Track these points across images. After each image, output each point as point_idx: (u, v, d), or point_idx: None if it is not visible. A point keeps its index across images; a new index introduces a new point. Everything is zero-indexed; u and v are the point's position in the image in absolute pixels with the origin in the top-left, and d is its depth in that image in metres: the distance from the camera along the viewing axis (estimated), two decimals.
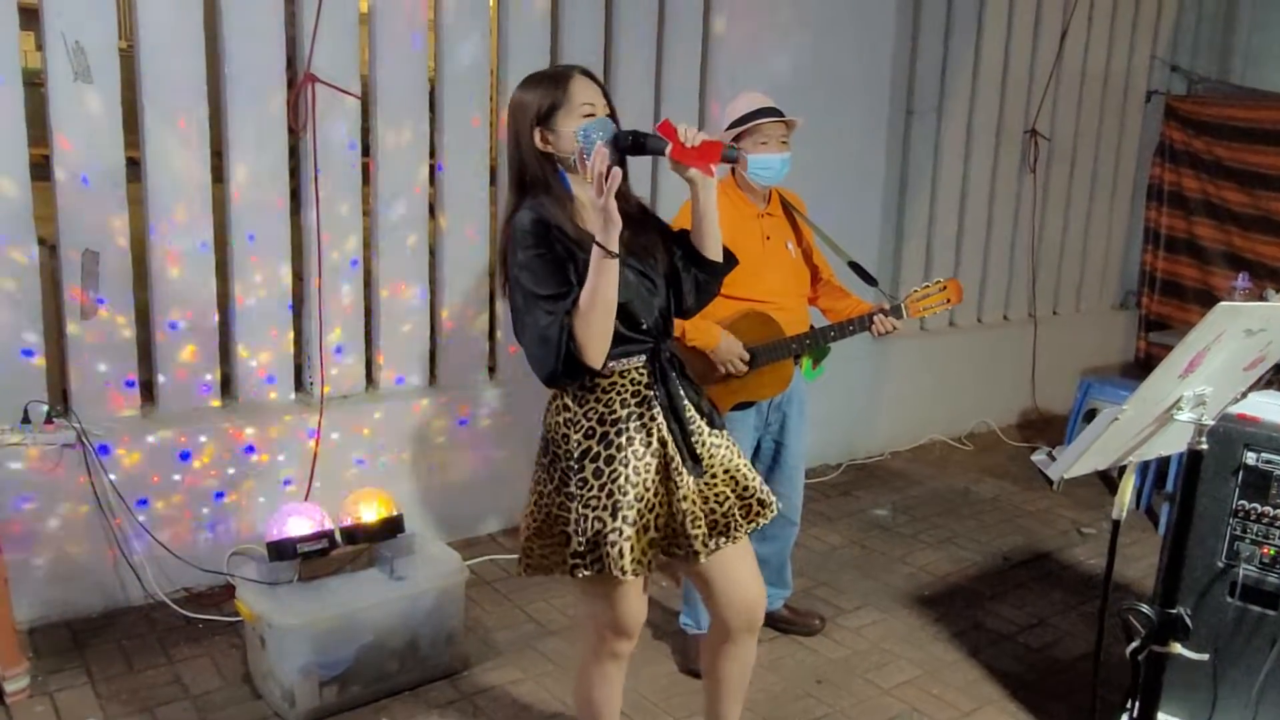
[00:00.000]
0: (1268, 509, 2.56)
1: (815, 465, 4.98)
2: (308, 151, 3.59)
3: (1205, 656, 1.97)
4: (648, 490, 2.11)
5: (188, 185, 3.40)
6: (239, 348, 3.62)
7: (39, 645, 3.14)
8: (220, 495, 3.53)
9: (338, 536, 3.07)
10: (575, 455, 2.10)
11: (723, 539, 2.19)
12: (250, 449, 3.56)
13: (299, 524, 3.08)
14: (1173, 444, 1.86)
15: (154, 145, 3.33)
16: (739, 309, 3.04)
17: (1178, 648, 1.68)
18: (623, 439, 2.10)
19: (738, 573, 2.27)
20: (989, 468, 5.30)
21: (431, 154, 3.92)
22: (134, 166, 3.35)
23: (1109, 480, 5.01)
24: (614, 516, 2.07)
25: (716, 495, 2.20)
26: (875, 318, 3.07)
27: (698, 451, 2.18)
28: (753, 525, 2.25)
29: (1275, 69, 6.42)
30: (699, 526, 2.15)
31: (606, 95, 2.12)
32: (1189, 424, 1.73)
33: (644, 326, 2.13)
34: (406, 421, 3.89)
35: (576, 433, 2.11)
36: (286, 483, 3.65)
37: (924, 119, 5.31)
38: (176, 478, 3.44)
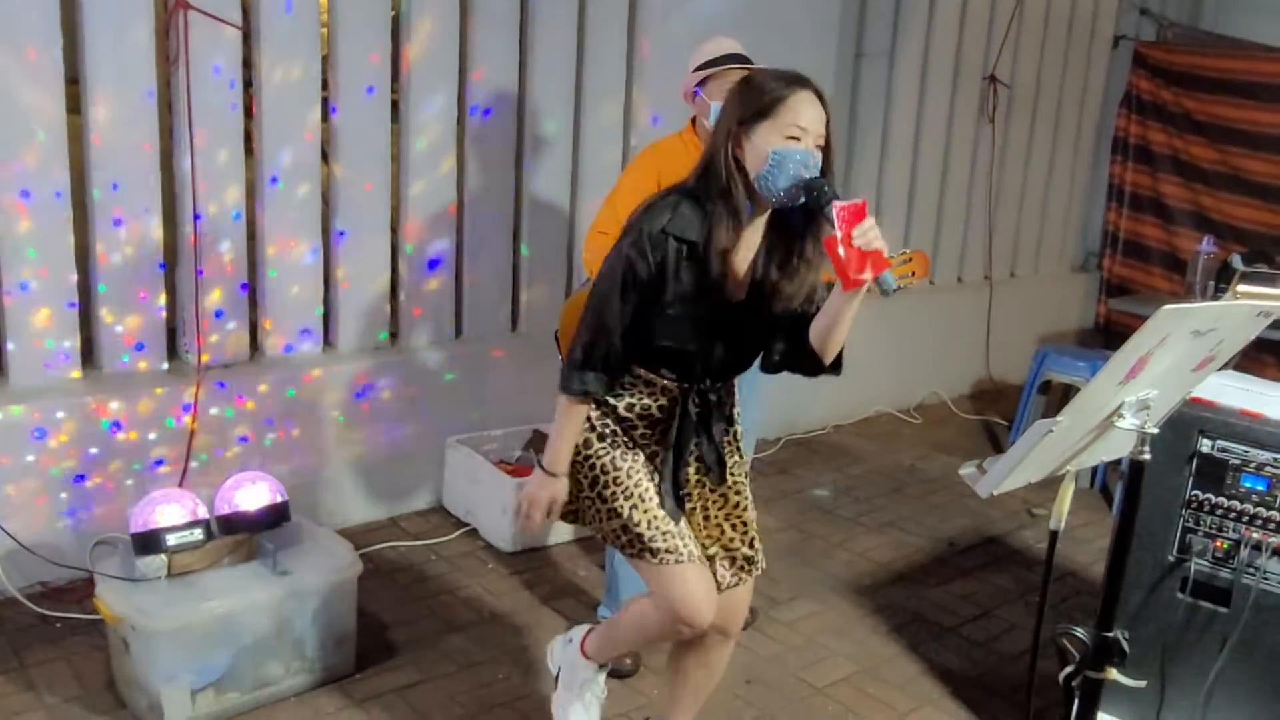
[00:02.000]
0: (1222, 500, 2.61)
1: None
2: (180, 89, 3.43)
3: (1143, 684, 2.00)
4: (651, 483, 2.29)
5: (38, 125, 3.23)
6: (102, 311, 3.48)
7: None
8: (81, 479, 3.40)
9: (214, 526, 2.98)
10: (585, 452, 2.29)
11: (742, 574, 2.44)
12: (116, 426, 3.44)
13: (169, 512, 2.97)
14: (1114, 450, 1.87)
15: None
16: None
17: (1114, 674, 1.70)
18: (624, 439, 2.30)
19: (737, 598, 2.45)
20: (938, 442, 5.36)
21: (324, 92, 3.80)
22: None
23: None
24: (636, 508, 2.26)
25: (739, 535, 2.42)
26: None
27: (682, 494, 2.32)
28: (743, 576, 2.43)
29: (1249, 15, 6.51)
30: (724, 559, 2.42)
31: (829, 124, 2.09)
32: (1130, 432, 1.74)
33: (688, 368, 2.23)
34: (296, 394, 3.79)
35: (590, 432, 2.29)
36: (158, 464, 3.53)
37: (875, 63, 5.28)
38: (30, 459, 3.31)
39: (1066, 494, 1.82)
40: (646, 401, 2.27)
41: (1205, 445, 2.63)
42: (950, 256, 6.02)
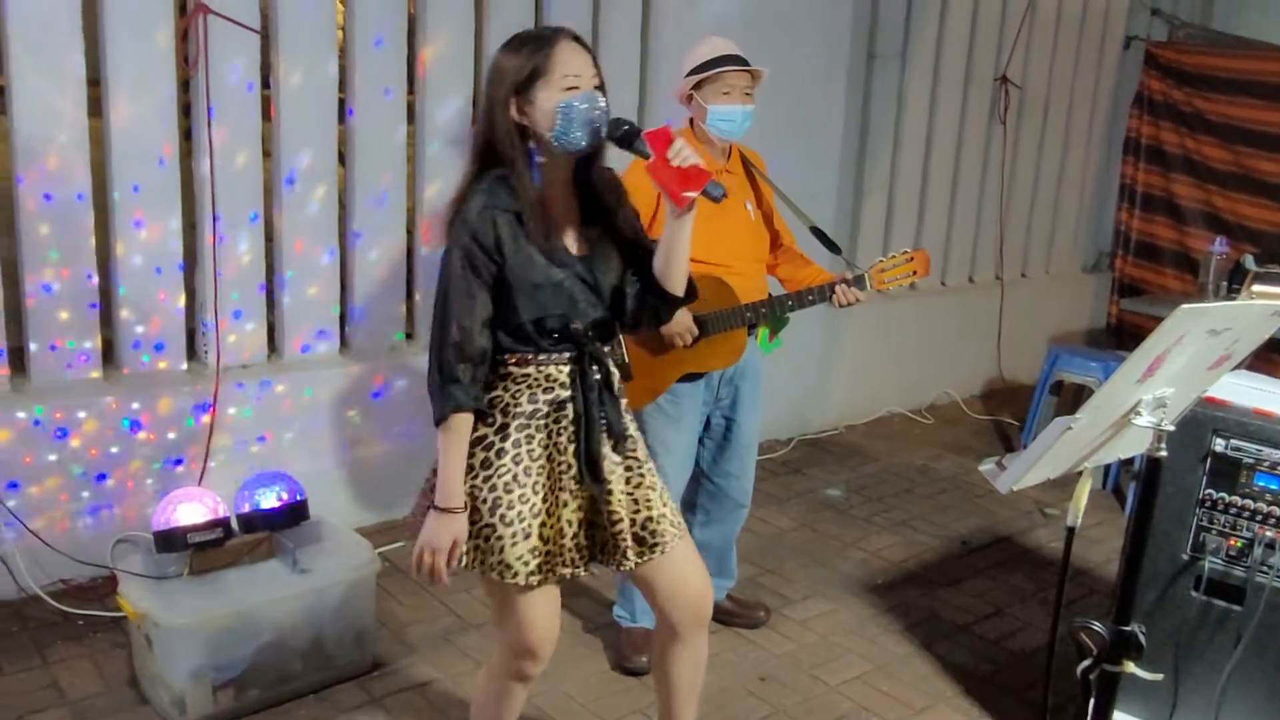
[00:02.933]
0: (1235, 498, 2.62)
1: (763, 440, 4.98)
2: (200, 92, 3.47)
3: (1159, 677, 2.02)
4: (536, 495, 2.14)
5: (61, 129, 3.27)
6: (123, 312, 3.52)
7: None
8: (102, 477, 3.44)
9: (234, 524, 3.02)
10: (476, 446, 2.13)
11: (648, 549, 2.23)
12: (136, 425, 3.48)
13: (190, 510, 3.01)
14: (1132, 447, 1.89)
15: (21, 83, 3.19)
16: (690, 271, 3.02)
17: (1131, 667, 1.72)
18: (521, 435, 2.14)
19: (681, 570, 2.29)
20: (950, 443, 5.38)
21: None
22: None
23: None
24: (491, 512, 2.12)
25: (611, 514, 2.20)
26: (838, 288, 3.09)
27: (601, 467, 2.18)
28: (639, 558, 2.24)
29: (1260, 15, 6.51)
30: (623, 538, 2.19)
31: (597, 65, 2.10)
32: (1147, 429, 1.76)
33: (569, 332, 2.14)
34: (314, 394, 3.82)
35: (478, 420, 2.13)
36: (177, 463, 3.57)
37: (887, 64, 5.30)
38: (52, 458, 3.35)
39: (1084, 491, 1.84)
40: (539, 381, 2.15)
41: (1219, 444, 2.65)
42: (962, 257, 6.03)
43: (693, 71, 3.00)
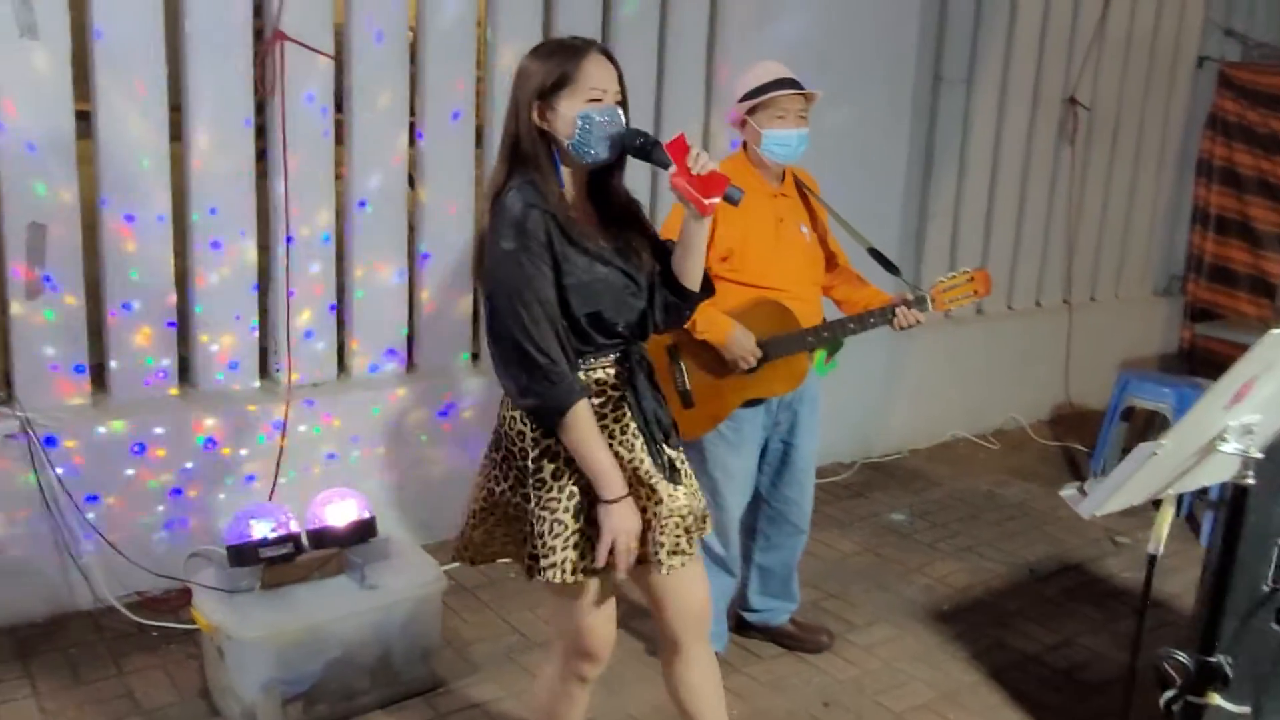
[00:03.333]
0: None
1: (826, 464, 4.98)
2: (275, 116, 3.56)
3: (1246, 709, 1.96)
4: (587, 498, 2.15)
5: (144, 152, 3.37)
6: (199, 331, 3.61)
7: None
8: (177, 492, 3.52)
9: (304, 540, 3.07)
10: (533, 454, 2.14)
11: (685, 556, 2.22)
12: (210, 442, 3.56)
13: (262, 526, 3.07)
14: (1216, 475, 1.85)
15: (106, 110, 3.31)
16: (750, 297, 3.03)
17: (1217, 699, 1.68)
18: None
19: (690, 585, 2.31)
20: (1016, 468, 5.30)
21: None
22: (83, 121, 3.32)
23: None
24: (576, 518, 2.13)
25: (680, 509, 2.21)
26: (898, 310, 3.08)
27: (668, 459, 2.22)
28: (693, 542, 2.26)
29: None
30: (667, 537, 2.18)
31: (621, 81, 2.14)
32: (1234, 456, 1.72)
33: (619, 329, 2.17)
34: (381, 412, 3.88)
35: (536, 431, 2.14)
36: (249, 479, 3.64)
37: (953, 87, 5.27)
38: (129, 472, 3.43)
39: (1166, 518, 1.81)
40: (593, 393, 2.15)
41: None
42: (1029, 280, 5.96)
43: (746, 96, 3.00)
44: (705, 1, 4.38)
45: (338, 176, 3.80)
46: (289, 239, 3.66)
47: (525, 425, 2.15)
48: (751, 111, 2.99)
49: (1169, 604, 3.88)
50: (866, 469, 5.16)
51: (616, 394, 2.18)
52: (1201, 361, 6.42)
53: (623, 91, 2.14)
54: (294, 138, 3.58)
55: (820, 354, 3.19)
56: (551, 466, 2.14)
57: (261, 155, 3.69)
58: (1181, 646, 2.00)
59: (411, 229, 4.00)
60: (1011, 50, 5.46)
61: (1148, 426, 5.16)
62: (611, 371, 2.18)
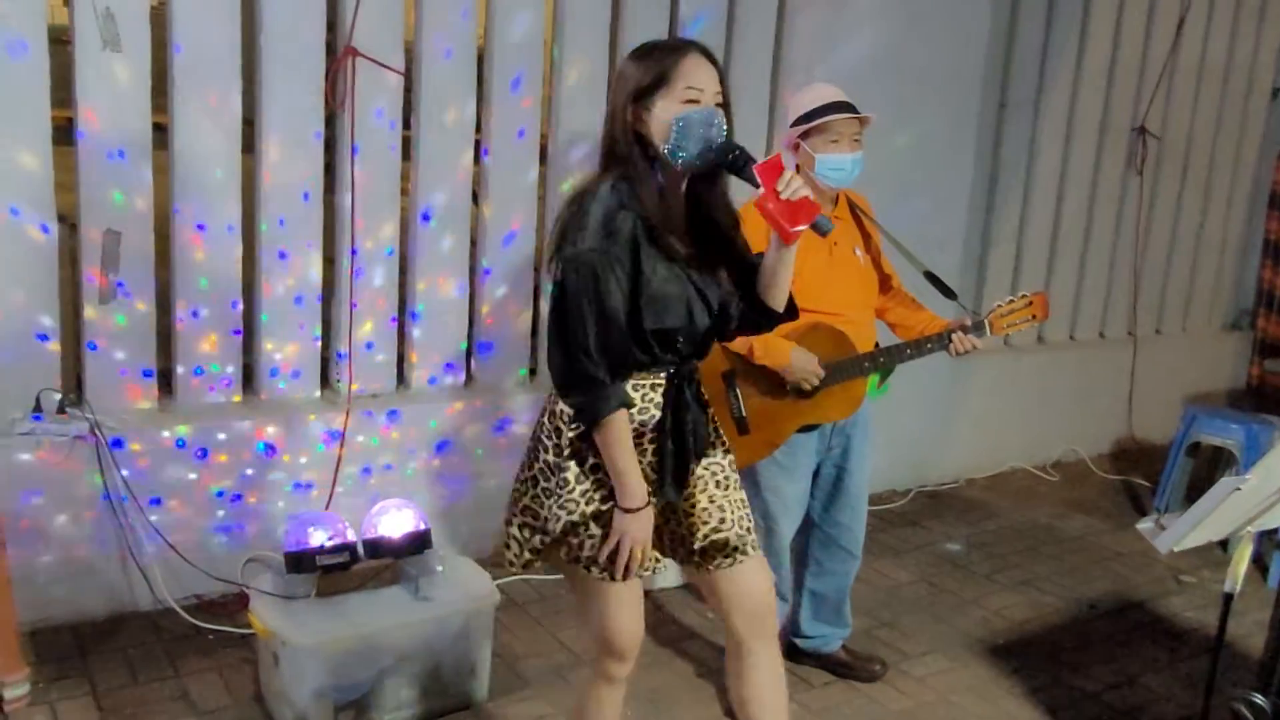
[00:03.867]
0: None
1: (881, 491, 4.92)
2: (344, 130, 3.62)
3: None
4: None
5: (216, 164, 3.44)
6: (264, 340, 3.67)
7: (40, 649, 3.20)
8: (237, 498, 3.58)
9: (360, 550, 3.10)
10: (565, 452, 2.15)
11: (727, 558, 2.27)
12: (270, 449, 3.61)
13: (319, 534, 3.11)
14: None
15: (183, 121, 3.39)
16: (805, 321, 3.00)
17: None
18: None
19: (749, 580, 2.31)
20: (1076, 502, 5.20)
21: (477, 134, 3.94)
22: (159, 132, 3.40)
23: None
24: (595, 520, 2.14)
25: (691, 525, 2.26)
26: (954, 335, 3.04)
27: (686, 482, 2.23)
28: (715, 566, 2.29)
29: None
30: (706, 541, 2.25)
31: (723, 81, 2.08)
32: None
33: (680, 346, 2.16)
34: (439, 425, 3.92)
35: (572, 431, 2.15)
36: (308, 487, 3.69)
37: (1019, 112, 5.22)
38: (192, 476, 3.49)
39: (1244, 556, 1.76)
40: (637, 407, 2.15)
41: None
42: (1093, 310, 5.87)
43: (799, 120, 2.97)
44: (771, 23, 4.38)
45: (403, 192, 3.85)
46: (354, 251, 3.71)
47: (563, 422, 2.16)
48: (805, 135, 2.96)
49: (1234, 645, 3.77)
50: (922, 497, 5.09)
51: (658, 414, 2.17)
52: (1270, 398, 6.26)
53: (724, 94, 2.08)
54: (362, 152, 3.64)
55: (873, 378, 3.16)
56: (576, 469, 2.15)
57: (329, 169, 3.75)
58: (1248, 688, 1.94)
59: (474, 244, 4.03)
60: (1080, 76, 5.39)
61: (1214, 463, 5.04)
62: (660, 389, 2.17)
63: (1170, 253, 6.12)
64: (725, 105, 2.08)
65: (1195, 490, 1.89)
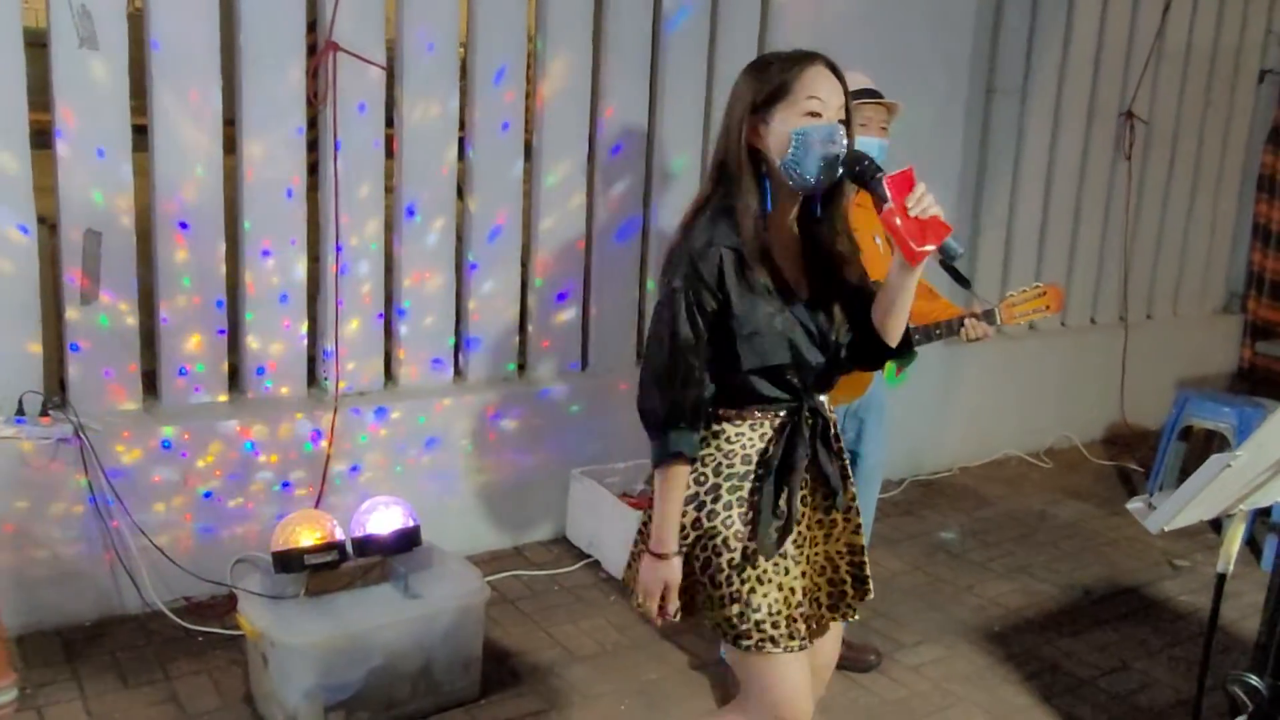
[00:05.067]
0: None
1: None
2: (327, 126, 3.59)
3: None
4: (748, 561, 2.03)
5: (197, 162, 3.41)
6: (249, 338, 3.64)
7: (28, 654, 3.17)
8: (225, 498, 3.55)
9: (349, 548, 3.07)
10: (702, 531, 2.05)
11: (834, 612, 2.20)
12: (258, 448, 3.58)
13: (308, 533, 3.09)
14: None
15: (162, 119, 3.35)
16: None
17: None
18: (733, 497, 2.03)
19: (824, 643, 2.25)
20: (1070, 488, 5.19)
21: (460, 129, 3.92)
22: (139, 134, 3.37)
23: None
24: (703, 571, 2.04)
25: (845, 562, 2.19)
26: (967, 321, 3.04)
27: (796, 527, 2.07)
28: (835, 617, 2.22)
29: None
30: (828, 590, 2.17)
31: (848, 97, 1.97)
32: None
33: (793, 381, 2.03)
34: (427, 422, 3.89)
35: (699, 510, 2.05)
36: (296, 486, 3.66)
37: (1007, 98, 5.20)
38: (177, 478, 3.47)
39: (1236, 535, 1.74)
40: (751, 440, 2.04)
41: None
42: (1083, 296, 5.86)
43: None
44: (755, 15, 4.36)
45: (387, 190, 3.82)
46: (338, 248, 3.68)
47: (697, 509, 2.05)
48: None
49: (1229, 628, 3.76)
50: (916, 487, 5.08)
51: (771, 451, 2.03)
52: (1262, 381, 6.27)
53: (847, 110, 1.96)
54: (345, 148, 3.61)
55: (890, 366, 3.15)
56: (693, 516, 2.04)
57: (313, 166, 3.72)
58: (1244, 670, 1.93)
59: (459, 239, 4.01)
60: (1067, 62, 5.38)
61: (1206, 447, 5.04)
62: (769, 433, 2.04)
63: (1160, 237, 6.11)
64: (848, 122, 1.96)
65: (1188, 474, 1.88)
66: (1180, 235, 6.22)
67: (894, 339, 2.04)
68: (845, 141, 1.93)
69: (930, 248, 1.83)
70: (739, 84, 2.00)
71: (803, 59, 1.95)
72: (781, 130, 1.92)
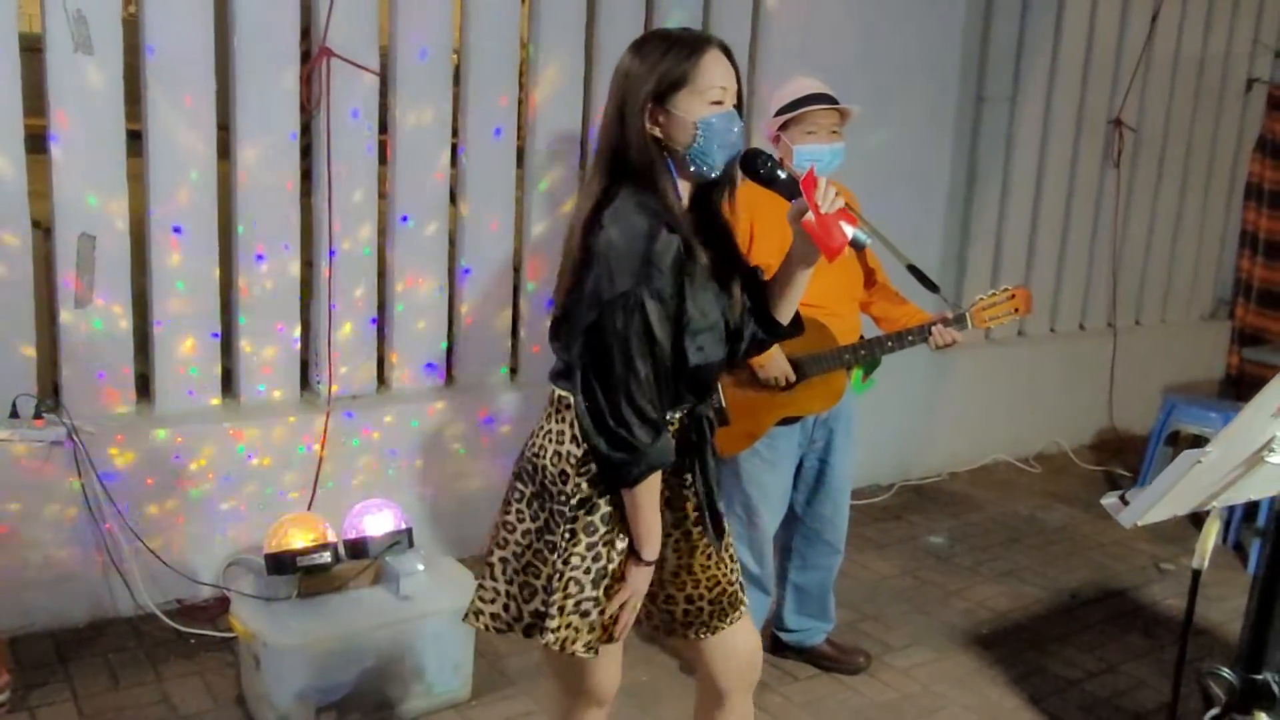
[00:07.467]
0: None
1: (864, 485, 4.93)
2: (320, 132, 3.61)
3: None
4: (614, 563, 1.97)
5: (191, 167, 3.43)
6: (242, 342, 3.65)
7: (20, 656, 3.18)
8: (217, 500, 3.56)
9: (341, 550, 3.09)
10: (572, 501, 1.92)
11: (723, 621, 2.14)
12: (251, 452, 3.59)
13: (300, 535, 3.10)
14: (1264, 488, 1.81)
15: (157, 123, 3.37)
16: None
17: (1263, 718, 1.64)
18: (613, 508, 1.94)
19: (733, 638, 2.17)
20: (1058, 493, 5.23)
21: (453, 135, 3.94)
22: (134, 138, 3.38)
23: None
24: (595, 585, 1.93)
25: (722, 572, 2.13)
26: (934, 328, 3.05)
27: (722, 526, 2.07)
28: (726, 621, 2.15)
29: None
30: (703, 603, 2.11)
31: (739, 81, 1.89)
32: None
33: (707, 381, 1.97)
34: (420, 425, 3.91)
35: (580, 476, 1.92)
36: (289, 489, 3.67)
37: (996, 106, 5.24)
38: (172, 481, 3.48)
39: (1211, 532, 1.77)
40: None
41: None
42: (1072, 303, 5.89)
43: (780, 111, 2.99)
44: (747, 21, 4.39)
45: (381, 195, 3.84)
46: (332, 253, 3.70)
47: (570, 468, 1.92)
48: (784, 127, 2.98)
49: (1215, 631, 3.80)
50: (905, 491, 5.11)
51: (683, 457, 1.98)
52: (1250, 386, 6.29)
53: (740, 95, 1.88)
54: (338, 153, 3.63)
55: (857, 372, 3.17)
56: (586, 521, 1.92)
57: (306, 171, 3.74)
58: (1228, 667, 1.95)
59: (452, 244, 4.03)
60: (1056, 70, 5.42)
61: None
62: (679, 426, 1.96)
63: (1148, 244, 6.15)
64: (740, 107, 1.89)
65: (1174, 462, 1.92)
66: (1169, 242, 6.26)
67: (787, 318, 2.02)
68: (742, 129, 1.89)
69: (847, 237, 1.82)
70: (631, 69, 1.87)
71: (698, 43, 1.86)
72: (686, 120, 1.84)
